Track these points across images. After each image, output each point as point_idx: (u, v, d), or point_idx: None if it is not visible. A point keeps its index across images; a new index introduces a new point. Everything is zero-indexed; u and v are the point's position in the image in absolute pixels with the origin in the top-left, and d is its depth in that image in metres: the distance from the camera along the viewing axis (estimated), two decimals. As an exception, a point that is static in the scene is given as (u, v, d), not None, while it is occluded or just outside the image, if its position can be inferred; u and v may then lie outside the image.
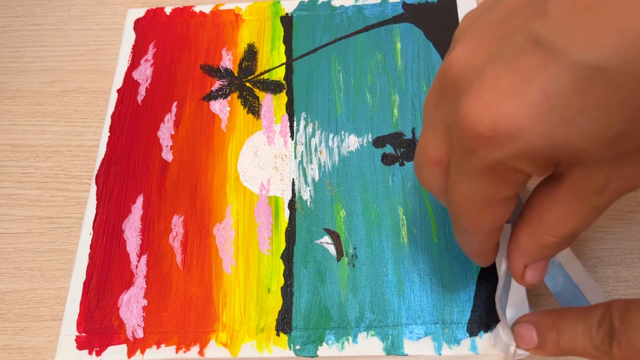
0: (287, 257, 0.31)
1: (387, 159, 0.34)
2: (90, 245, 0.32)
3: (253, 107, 0.36)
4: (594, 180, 0.18)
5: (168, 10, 0.41)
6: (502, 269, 0.25)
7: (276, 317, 0.30)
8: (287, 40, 0.38)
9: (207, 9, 0.40)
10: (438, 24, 0.38)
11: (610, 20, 0.15)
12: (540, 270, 0.23)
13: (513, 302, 0.26)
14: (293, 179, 0.33)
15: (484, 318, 0.28)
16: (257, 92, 0.37)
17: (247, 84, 0.37)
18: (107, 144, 0.36)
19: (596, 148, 0.16)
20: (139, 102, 0.37)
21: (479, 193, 0.19)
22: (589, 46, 0.15)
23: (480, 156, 0.18)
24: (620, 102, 0.15)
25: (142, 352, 0.29)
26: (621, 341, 0.21)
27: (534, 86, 0.16)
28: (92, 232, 0.33)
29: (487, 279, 0.29)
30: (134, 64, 0.39)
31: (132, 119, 0.36)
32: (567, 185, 0.18)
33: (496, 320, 0.28)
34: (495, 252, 0.25)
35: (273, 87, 0.37)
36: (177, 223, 0.33)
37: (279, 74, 0.37)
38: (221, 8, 0.40)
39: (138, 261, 0.32)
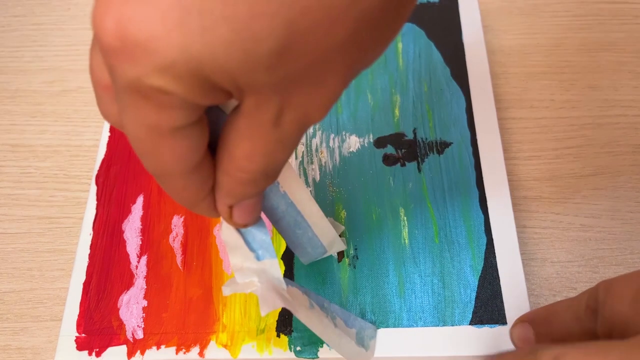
0: (288, 257, 0.31)
1: (388, 160, 0.33)
2: (90, 246, 0.32)
3: (253, 107, 0.36)
4: (267, 110, 0.16)
5: (168, 10, 0.41)
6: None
7: (277, 318, 0.29)
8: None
9: (207, 8, 0.40)
10: (440, 24, 0.38)
11: None
12: (247, 209, 0.20)
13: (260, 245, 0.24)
14: (294, 180, 0.33)
15: (486, 319, 0.28)
16: (257, 92, 0.37)
17: (248, 84, 0.37)
18: (107, 144, 0.35)
19: (251, 69, 0.14)
20: (139, 102, 0.37)
21: (139, 122, 0.16)
22: None
23: (119, 74, 0.15)
24: (268, 13, 0.13)
25: (142, 353, 0.29)
26: (604, 312, 0.22)
27: None
28: (91, 233, 0.33)
29: (489, 280, 0.29)
30: (134, 63, 0.38)
31: (132, 119, 0.36)
32: (244, 117, 0.16)
33: (495, 321, 0.28)
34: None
35: (274, 87, 0.37)
36: (177, 223, 0.33)
37: (280, 74, 0.37)
38: (221, 8, 0.40)
39: (138, 262, 0.32)
